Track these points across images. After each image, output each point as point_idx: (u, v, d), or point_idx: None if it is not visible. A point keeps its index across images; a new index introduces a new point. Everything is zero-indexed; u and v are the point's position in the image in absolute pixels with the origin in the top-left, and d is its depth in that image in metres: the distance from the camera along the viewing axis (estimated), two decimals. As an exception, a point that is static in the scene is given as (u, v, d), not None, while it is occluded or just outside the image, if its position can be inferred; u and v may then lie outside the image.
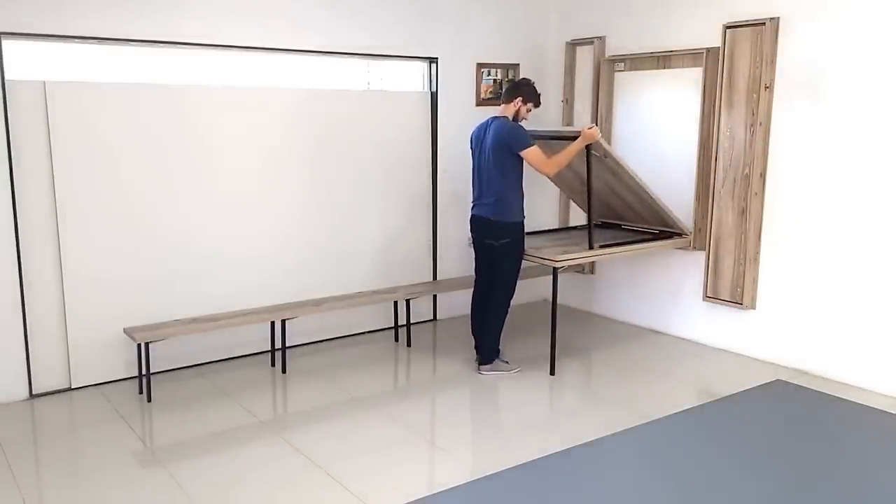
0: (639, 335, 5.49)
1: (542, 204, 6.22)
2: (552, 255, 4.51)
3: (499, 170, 4.39)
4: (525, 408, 4.16)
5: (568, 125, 5.98)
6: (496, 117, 4.49)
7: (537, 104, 4.57)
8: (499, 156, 4.38)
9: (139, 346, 4.23)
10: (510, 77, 5.90)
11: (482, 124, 4.56)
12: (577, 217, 6.06)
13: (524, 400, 4.27)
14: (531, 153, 4.32)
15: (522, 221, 4.52)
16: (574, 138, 4.45)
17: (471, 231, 4.67)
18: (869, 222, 4.29)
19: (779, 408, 4.13)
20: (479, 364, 4.65)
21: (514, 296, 6.06)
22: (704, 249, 5.08)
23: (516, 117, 4.50)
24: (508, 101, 4.51)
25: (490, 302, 4.63)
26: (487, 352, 4.65)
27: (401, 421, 3.96)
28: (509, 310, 4.67)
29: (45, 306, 4.22)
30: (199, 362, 4.75)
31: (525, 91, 4.51)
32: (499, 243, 4.49)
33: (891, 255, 4.21)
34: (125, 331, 4.31)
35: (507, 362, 4.70)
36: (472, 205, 4.64)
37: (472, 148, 4.64)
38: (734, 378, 4.56)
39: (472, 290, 5.48)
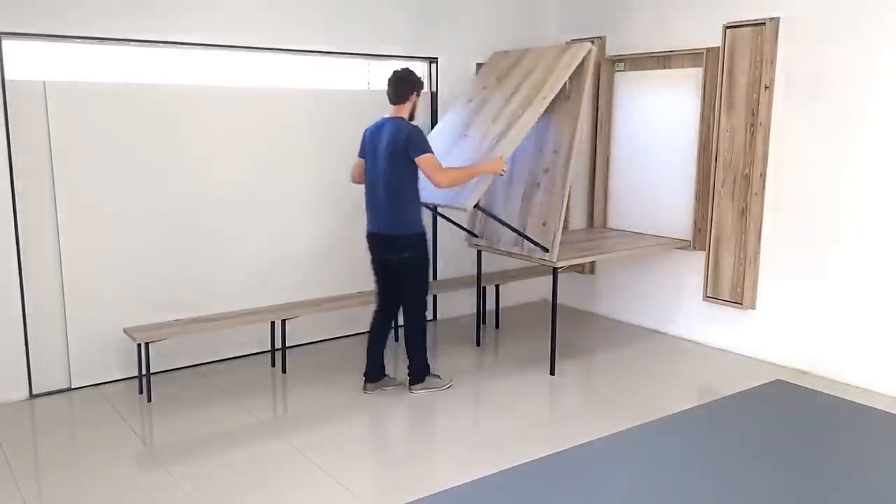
0: (639, 335, 5.50)
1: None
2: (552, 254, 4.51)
3: (396, 178, 4.03)
4: (525, 408, 4.16)
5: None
6: (391, 118, 4.10)
7: (422, 88, 4.22)
8: (396, 162, 4.00)
9: (139, 346, 4.23)
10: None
11: (376, 125, 4.17)
12: (577, 218, 6.07)
13: (524, 400, 4.27)
14: (428, 159, 3.95)
15: (423, 233, 4.16)
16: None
17: (369, 250, 4.28)
18: (869, 222, 4.29)
19: (779, 408, 4.13)
20: (410, 384, 4.33)
21: (514, 296, 6.12)
22: (704, 249, 5.08)
23: (412, 115, 4.15)
24: (403, 100, 4.11)
25: (406, 320, 4.31)
26: (417, 371, 4.33)
27: (401, 421, 3.96)
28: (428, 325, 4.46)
29: (45, 306, 4.22)
30: (199, 362, 4.75)
31: (414, 81, 4.12)
32: (399, 258, 4.15)
33: (891, 255, 4.21)
34: (125, 331, 4.30)
35: (438, 376, 4.43)
36: (367, 220, 4.23)
37: (363, 151, 4.23)
38: (734, 378, 4.56)
39: (469, 290, 5.50)
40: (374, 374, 4.34)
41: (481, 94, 4.84)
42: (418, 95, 4.16)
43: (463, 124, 4.72)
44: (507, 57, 4.96)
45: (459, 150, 4.50)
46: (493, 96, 4.72)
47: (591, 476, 3.31)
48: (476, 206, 4.27)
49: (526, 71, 4.67)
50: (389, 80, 4.12)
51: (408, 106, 4.13)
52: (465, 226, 5.04)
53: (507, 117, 4.42)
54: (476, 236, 4.92)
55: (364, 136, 4.22)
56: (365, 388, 4.31)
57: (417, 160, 3.96)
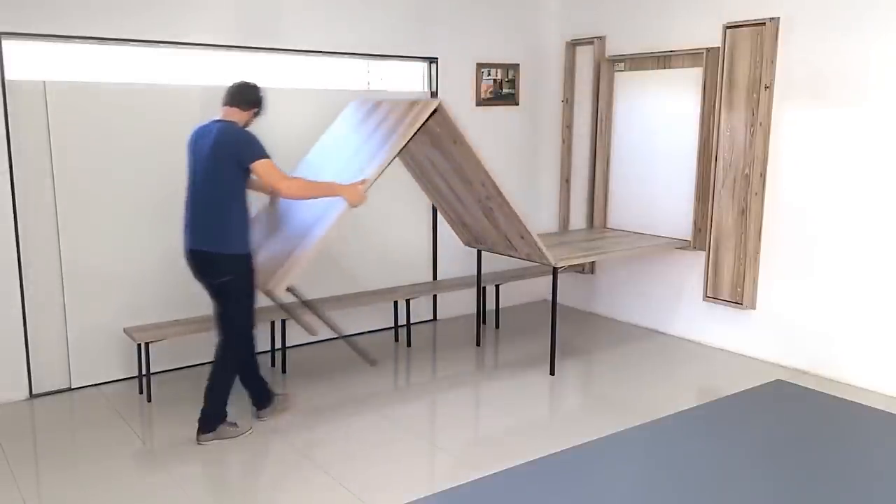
0: (639, 335, 5.50)
1: (542, 205, 6.23)
2: (552, 254, 4.51)
3: (218, 187, 3.51)
4: (525, 408, 4.16)
5: (568, 126, 5.98)
6: (220, 120, 3.59)
7: (262, 112, 3.78)
8: (220, 169, 3.48)
9: (139, 346, 4.23)
10: (510, 77, 5.90)
11: (202, 128, 3.64)
12: (577, 218, 6.07)
13: (524, 400, 4.27)
14: (266, 164, 3.48)
15: (249, 254, 3.61)
16: None
17: (189, 268, 3.71)
18: (869, 222, 4.29)
19: (779, 408, 4.13)
20: (198, 432, 3.66)
21: (514, 296, 6.11)
22: (704, 249, 5.08)
23: (245, 126, 3.67)
24: (244, 108, 3.64)
25: (219, 352, 3.71)
26: (209, 416, 3.67)
27: (401, 421, 3.96)
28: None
29: (45, 306, 4.22)
30: (199, 362, 4.75)
31: (263, 101, 3.72)
32: (217, 282, 3.61)
33: (890, 254, 4.21)
34: (125, 331, 4.31)
35: (235, 424, 3.75)
36: (183, 235, 3.67)
37: (188, 156, 3.67)
38: (734, 378, 4.56)
39: (469, 290, 5.50)
40: (260, 401, 3.91)
41: (339, 140, 4.41)
42: (256, 116, 3.72)
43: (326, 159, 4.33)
44: (363, 105, 4.45)
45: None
46: (347, 143, 4.29)
47: (591, 476, 3.31)
48: (288, 289, 3.73)
49: (375, 124, 4.15)
50: (235, 84, 3.69)
51: (244, 116, 3.65)
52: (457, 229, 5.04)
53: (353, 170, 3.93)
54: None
55: (189, 142, 3.66)
56: (198, 440, 3.66)
57: (253, 167, 3.48)
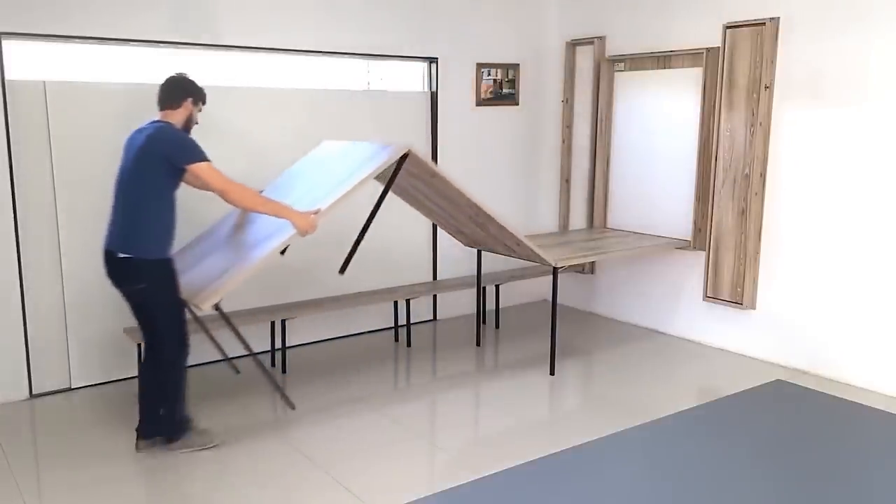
0: (639, 335, 5.49)
1: (542, 205, 6.23)
2: (552, 255, 4.51)
3: (140, 186, 3.33)
4: (525, 408, 4.16)
5: (568, 126, 5.98)
6: (156, 121, 3.43)
7: (205, 100, 3.57)
8: (145, 168, 3.31)
9: (139, 346, 4.23)
10: (510, 77, 5.90)
11: (139, 129, 3.45)
12: (577, 218, 6.07)
13: (524, 400, 4.27)
14: (206, 168, 3.31)
15: (167, 259, 3.39)
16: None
17: (105, 272, 3.47)
18: (869, 222, 4.29)
19: (779, 408, 4.13)
20: (167, 442, 3.55)
21: (514, 296, 6.11)
22: (704, 249, 5.08)
23: (188, 125, 3.49)
24: (177, 104, 3.44)
25: (159, 365, 3.53)
26: (174, 427, 3.53)
27: (401, 421, 3.96)
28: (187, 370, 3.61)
29: (45, 306, 4.22)
30: (198, 362, 4.74)
31: (193, 88, 3.48)
32: (135, 288, 3.39)
33: (890, 254, 4.21)
34: (125, 331, 4.31)
35: (205, 430, 3.67)
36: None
37: (122, 156, 3.51)
38: (734, 378, 4.56)
39: (469, 290, 5.50)
40: (147, 428, 3.57)
41: (305, 171, 4.38)
42: (196, 105, 3.51)
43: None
44: (336, 144, 4.40)
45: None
46: (311, 175, 4.22)
47: (591, 476, 3.31)
48: (216, 306, 3.52)
49: (343, 161, 4.09)
50: (162, 83, 3.50)
51: (180, 112, 3.45)
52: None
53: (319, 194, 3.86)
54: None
55: (125, 145, 3.49)
56: (137, 447, 3.57)
57: (191, 169, 3.32)
